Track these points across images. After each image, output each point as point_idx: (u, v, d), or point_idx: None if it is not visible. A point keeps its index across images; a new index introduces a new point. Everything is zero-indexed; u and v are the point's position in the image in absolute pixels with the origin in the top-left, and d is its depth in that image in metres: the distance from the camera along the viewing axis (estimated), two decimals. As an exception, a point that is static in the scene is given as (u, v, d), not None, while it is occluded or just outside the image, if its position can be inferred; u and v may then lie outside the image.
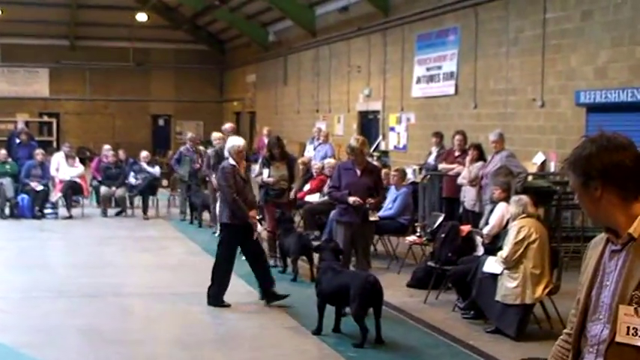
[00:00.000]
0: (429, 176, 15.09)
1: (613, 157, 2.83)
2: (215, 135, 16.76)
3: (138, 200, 19.68)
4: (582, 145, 2.92)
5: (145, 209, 19.19)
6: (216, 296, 10.16)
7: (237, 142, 10.24)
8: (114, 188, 19.16)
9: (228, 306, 10.09)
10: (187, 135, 20.13)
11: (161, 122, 40.91)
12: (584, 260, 3.07)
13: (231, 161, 10.19)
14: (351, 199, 9.73)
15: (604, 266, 2.91)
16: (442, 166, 14.47)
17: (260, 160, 13.21)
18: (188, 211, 18.49)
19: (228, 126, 15.01)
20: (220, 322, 9.54)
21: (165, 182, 22.82)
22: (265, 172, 12.62)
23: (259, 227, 10.27)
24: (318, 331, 8.91)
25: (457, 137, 14.25)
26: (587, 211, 2.96)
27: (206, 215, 17.62)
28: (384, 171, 13.31)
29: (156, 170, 20.14)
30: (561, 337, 3.17)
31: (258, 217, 15.25)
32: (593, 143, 2.88)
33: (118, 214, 19.56)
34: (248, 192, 10.13)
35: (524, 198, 9.02)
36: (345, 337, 8.81)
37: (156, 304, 10.60)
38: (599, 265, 2.93)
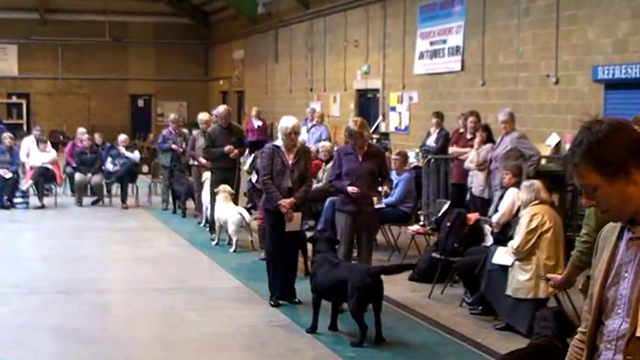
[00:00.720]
0: (432, 160, 15.08)
1: (632, 134, 2.78)
2: (201, 117, 16.70)
3: (116, 188, 19.65)
4: (590, 132, 2.81)
5: (123, 198, 19.15)
6: (271, 292, 10.20)
7: (286, 122, 10.09)
8: (90, 175, 19.09)
9: (276, 305, 10.04)
10: (170, 117, 20.06)
11: (141, 103, 40.84)
12: (596, 253, 3.04)
13: (277, 142, 10.19)
14: (350, 189, 9.72)
15: (621, 256, 2.88)
16: (453, 149, 14.45)
17: (251, 159, 13.27)
18: (171, 199, 18.47)
19: (221, 109, 14.83)
20: (206, 320, 9.54)
21: (145, 168, 22.78)
22: (254, 176, 12.76)
23: (295, 216, 10.09)
24: (313, 329, 8.92)
25: (471, 119, 14.17)
26: (615, 205, 2.83)
27: (190, 204, 17.60)
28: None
29: (135, 155, 20.09)
30: (576, 336, 3.15)
31: (247, 206, 15.34)
32: (601, 125, 2.80)
33: (94, 203, 19.53)
34: (286, 178, 9.96)
35: (537, 183, 9.01)
36: (343, 335, 8.82)
37: (136, 300, 10.59)
38: (614, 256, 2.90)
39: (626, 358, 2.79)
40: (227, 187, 13.96)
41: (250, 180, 13.11)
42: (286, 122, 10.10)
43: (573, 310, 8.99)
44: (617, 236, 2.92)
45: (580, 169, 2.83)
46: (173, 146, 18.06)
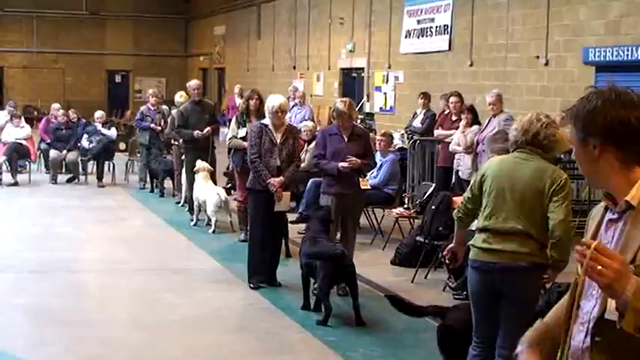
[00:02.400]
0: (418, 141, 15.10)
1: (618, 113, 2.82)
2: (179, 99, 16.69)
3: (92, 166, 19.60)
4: (588, 97, 2.91)
5: (99, 176, 19.09)
6: (249, 275, 10.20)
7: (272, 101, 10.13)
8: (65, 152, 19.03)
9: (255, 288, 10.03)
10: (149, 91, 19.94)
11: (118, 79, 40.65)
12: (586, 233, 3.08)
13: (265, 120, 10.21)
14: (341, 165, 9.71)
15: (600, 237, 2.91)
16: (438, 132, 14.50)
17: (234, 119, 13.08)
18: (148, 178, 18.42)
19: (193, 83, 14.86)
20: (184, 302, 9.55)
21: (122, 146, 22.70)
22: (241, 131, 12.42)
23: (284, 195, 10.08)
24: (305, 307, 9.10)
25: (452, 99, 14.23)
26: (584, 169, 2.99)
27: (168, 183, 17.56)
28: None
29: (112, 132, 20.02)
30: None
31: (226, 186, 15.32)
32: (600, 96, 2.88)
33: (69, 180, 19.46)
34: (274, 157, 9.97)
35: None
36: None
37: (112, 281, 10.59)
38: (596, 236, 2.93)
39: (594, 339, 2.82)
40: (206, 165, 13.95)
41: (237, 152, 12.67)
42: (273, 101, 10.14)
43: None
44: (602, 215, 2.97)
45: (570, 127, 2.98)
46: (152, 125, 17.95)
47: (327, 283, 8.72)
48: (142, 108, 18.84)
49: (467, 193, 6.26)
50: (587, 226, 3.10)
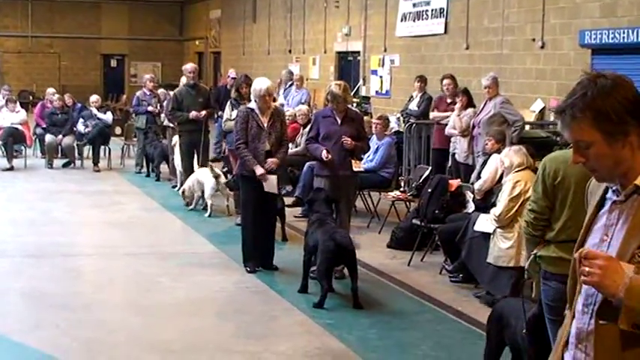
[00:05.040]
0: (414, 125, 15.10)
1: (633, 93, 2.73)
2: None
3: (88, 150, 19.56)
4: (595, 85, 2.73)
5: (95, 160, 19.07)
6: (244, 258, 10.21)
7: (259, 84, 10.07)
8: (60, 137, 19.00)
9: (252, 272, 10.03)
10: (145, 77, 19.88)
11: (113, 63, 40.56)
12: (586, 206, 3.03)
13: (251, 105, 10.17)
14: (323, 155, 9.72)
15: (605, 217, 2.86)
16: (434, 114, 14.52)
17: (228, 102, 13.14)
18: (144, 162, 18.41)
19: (189, 66, 14.87)
20: (179, 285, 9.55)
21: (118, 130, 22.68)
22: (234, 113, 12.49)
23: (270, 178, 10.01)
24: (303, 289, 9.12)
25: (445, 81, 14.29)
26: (606, 166, 2.80)
27: (165, 167, 17.55)
28: (364, 119, 13.28)
29: (108, 117, 19.98)
30: None
31: (223, 170, 15.30)
32: (606, 80, 2.74)
33: (65, 165, 19.46)
34: (262, 141, 9.95)
35: (525, 148, 9.00)
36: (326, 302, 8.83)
37: (108, 265, 10.58)
38: (595, 217, 2.90)
39: (598, 322, 2.79)
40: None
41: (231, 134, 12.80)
42: (260, 84, 10.08)
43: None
44: (602, 195, 2.92)
45: (579, 123, 2.76)
46: (149, 108, 17.95)
47: (327, 264, 8.73)
48: (138, 93, 18.83)
49: (541, 203, 5.62)
50: (586, 200, 3.06)
